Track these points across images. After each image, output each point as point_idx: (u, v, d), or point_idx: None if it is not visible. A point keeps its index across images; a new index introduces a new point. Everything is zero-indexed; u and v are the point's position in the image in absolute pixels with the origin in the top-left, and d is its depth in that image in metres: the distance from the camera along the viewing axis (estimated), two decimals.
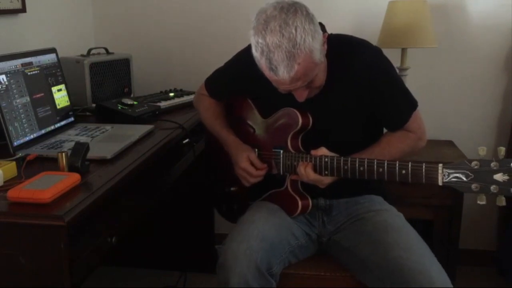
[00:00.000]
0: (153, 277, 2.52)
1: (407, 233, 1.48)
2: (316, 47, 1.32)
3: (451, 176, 1.22)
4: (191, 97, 2.25)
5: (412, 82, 2.34)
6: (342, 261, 1.56)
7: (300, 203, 1.53)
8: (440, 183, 1.24)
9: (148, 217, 2.40)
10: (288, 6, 1.31)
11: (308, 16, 1.31)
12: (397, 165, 1.30)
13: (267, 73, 1.35)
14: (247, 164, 1.56)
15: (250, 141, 1.64)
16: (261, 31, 1.30)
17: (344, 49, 1.50)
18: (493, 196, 1.19)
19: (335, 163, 1.40)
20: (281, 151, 1.53)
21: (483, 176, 1.19)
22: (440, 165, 1.24)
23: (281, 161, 1.53)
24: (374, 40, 2.26)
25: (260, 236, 1.43)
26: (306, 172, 1.44)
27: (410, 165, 1.29)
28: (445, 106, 2.47)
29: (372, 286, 1.44)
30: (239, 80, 1.65)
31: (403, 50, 2.24)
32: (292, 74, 1.31)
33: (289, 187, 1.54)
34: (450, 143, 2.43)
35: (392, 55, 2.29)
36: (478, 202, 1.21)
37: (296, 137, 1.53)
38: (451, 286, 1.35)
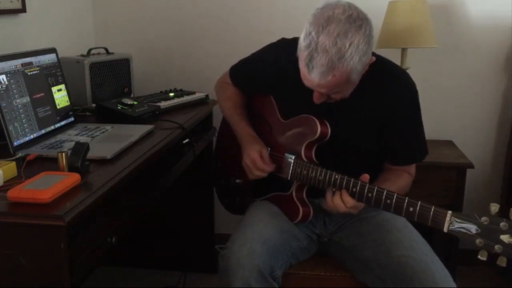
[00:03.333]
0: (153, 277, 2.52)
1: (409, 232, 1.48)
2: (358, 68, 1.30)
3: (458, 226, 1.21)
4: (191, 97, 2.26)
5: None
6: (343, 261, 1.56)
7: (301, 211, 1.52)
8: (445, 230, 1.22)
9: (148, 217, 2.41)
10: (357, 18, 1.28)
11: (369, 36, 1.30)
12: (406, 201, 1.29)
13: (302, 65, 1.32)
14: (257, 155, 1.54)
15: (265, 139, 1.62)
16: (318, 26, 1.27)
17: (385, 72, 1.49)
18: (496, 255, 1.17)
19: (344, 184, 1.38)
20: (293, 157, 1.51)
21: (490, 234, 1.17)
22: (449, 212, 1.22)
23: (291, 167, 1.51)
24: (374, 40, 2.26)
25: (262, 240, 1.43)
26: (345, 200, 1.37)
27: (419, 205, 1.27)
28: (445, 106, 2.47)
29: (373, 285, 1.44)
30: (265, 75, 1.62)
31: (403, 50, 2.24)
32: (322, 82, 1.30)
33: (293, 193, 1.54)
34: (450, 143, 2.43)
35: (392, 55, 2.30)
36: (479, 257, 1.19)
37: (311, 147, 1.50)
38: (454, 285, 1.35)
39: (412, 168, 1.58)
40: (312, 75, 1.30)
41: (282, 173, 1.55)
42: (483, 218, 1.18)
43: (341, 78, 1.29)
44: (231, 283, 1.37)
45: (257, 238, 1.43)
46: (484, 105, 2.45)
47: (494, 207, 1.19)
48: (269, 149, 1.59)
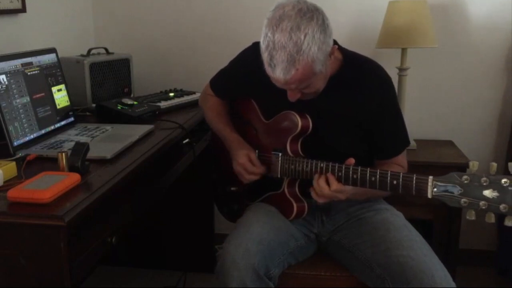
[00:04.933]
0: (153, 277, 2.52)
1: (409, 231, 1.48)
2: (320, 58, 1.32)
3: (441, 189, 1.21)
4: (191, 97, 2.26)
5: (412, 82, 2.35)
6: (342, 261, 1.56)
7: (295, 206, 1.53)
8: (429, 196, 1.23)
9: (148, 217, 2.41)
10: (307, 10, 1.30)
11: (323, 25, 1.31)
12: (388, 175, 1.31)
13: (266, 66, 1.35)
14: (246, 160, 1.56)
15: (252, 142, 1.64)
16: (272, 26, 1.30)
17: (359, 66, 1.51)
18: (482, 212, 1.17)
19: (329, 169, 1.41)
20: (280, 154, 1.52)
21: (473, 191, 1.17)
22: (431, 177, 1.23)
23: (279, 164, 1.53)
24: (374, 40, 2.26)
25: (257, 239, 1.43)
26: (330, 182, 1.39)
27: (401, 176, 1.29)
28: (445, 106, 2.47)
29: (373, 285, 1.44)
30: (242, 80, 1.65)
31: (403, 50, 2.24)
32: (288, 78, 1.32)
33: (285, 190, 1.55)
34: (450, 143, 2.43)
35: (392, 55, 2.31)
36: (468, 217, 1.20)
37: (295, 141, 1.52)
38: (454, 285, 1.36)
39: (401, 160, 1.58)
40: (276, 74, 1.32)
41: (272, 172, 1.56)
42: (464, 177, 1.18)
43: (304, 71, 1.31)
44: (227, 283, 1.37)
45: (253, 238, 1.43)
46: (484, 105, 2.45)
47: (473, 165, 1.19)
48: (256, 151, 1.61)
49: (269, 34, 1.31)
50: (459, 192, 1.19)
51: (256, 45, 1.58)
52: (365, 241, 1.49)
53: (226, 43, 2.54)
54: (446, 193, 1.21)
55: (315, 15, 1.30)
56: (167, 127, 1.85)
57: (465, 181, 1.18)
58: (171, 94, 2.25)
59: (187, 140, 1.89)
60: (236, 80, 1.69)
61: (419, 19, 2.15)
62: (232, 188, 1.73)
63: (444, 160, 2.21)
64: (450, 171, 2.12)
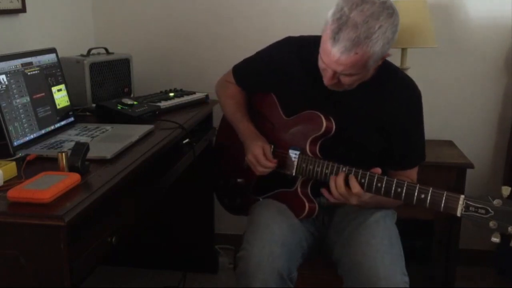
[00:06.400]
0: (153, 277, 2.52)
1: (376, 227, 1.46)
2: (378, 54, 1.32)
3: (471, 209, 1.21)
4: (191, 97, 2.26)
5: None
6: (332, 259, 1.56)
7: (307, 206, 1.52)
8: (458, 214, 1.22)
9: (148, 217, 2.41)
10: (390, 6, 1.31)
11: (395, 28, 1.32)
12: (417, 189, 1.28)
13: (326, 37, 1.32)
14: (260, 152, 1.54)
15: (268, 137, 1.62)
16: (352, 3, 1.29)
17: (392, 73, 1.51)
18: (509, 236, 1.18)
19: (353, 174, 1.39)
20: (298, 153, 1.51)
21: (504, 216, 1.18)
22: (462, 196, 1.22)
23: (296, 163, 1.52)
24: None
25: (280, 242, 1.43)
26: (352, 185, 1.37)
27: (430, 191, 1.27)
28: (445, 106, 2.47)
29: (345, 285, 1.45)
30: (268, 75, 1.63)
31: (403, 50, 2.24)
32: (343, 58, 1.29)
33: (298, 189, 1.54)
34: (450, 143, 2.43)
35: (392, 55, 2.30)
36: (493, 239, 1.20)
37: (315, 142, 1.51)
38: (402, 284, 1.35)
39: (414, 174, 1.58)
40: (335, 49, 1.29)
41: (286, 169, 1.55)
42: (496, 201, 1.19)
43: (361, 59, 1.30)
44: (250, 284, 1.37)
45: (275, 239, 1.43)
46: (484, 105, 2.45)
47: (506, 190, 1.19)
48: (272, 146, 1.59)
49: (345, 9, 1.29)
50: (489, 214, 1.19)
51: (289, 40, 1.57)
52: (340, 239, 1.50)
53: (226, 43, 2.54)
54: (475, 214, 1.21)
55: (394, 14, 1.31)
56: (167, 127, 1.85)
57: (497, 205, 1.19)
58: (171, 94, 2.25)
59: (187, 140, 1.89)
60: (262, 73, 1.66)
61: (419, 19, 2.15)
62: (239, 180, 1.72)
63: (444, 160, 2.21)
64: (450, 171, 2.16)
